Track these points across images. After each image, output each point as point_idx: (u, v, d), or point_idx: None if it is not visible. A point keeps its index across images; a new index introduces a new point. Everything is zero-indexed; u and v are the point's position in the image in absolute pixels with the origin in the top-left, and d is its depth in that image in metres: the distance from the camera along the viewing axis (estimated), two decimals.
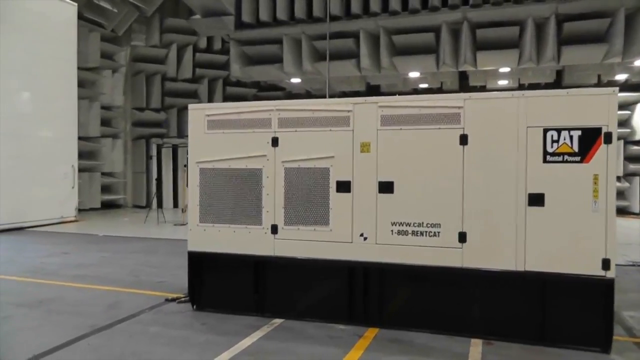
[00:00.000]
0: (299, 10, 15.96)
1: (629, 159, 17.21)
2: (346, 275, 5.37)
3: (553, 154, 4.78)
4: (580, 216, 4.71)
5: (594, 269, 4.69)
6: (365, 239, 5.27)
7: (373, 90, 19.11)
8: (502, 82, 16.61)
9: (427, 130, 5.09)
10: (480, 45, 14.09)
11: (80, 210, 15.86)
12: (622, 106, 17.35)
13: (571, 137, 4.75)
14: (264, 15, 16.52)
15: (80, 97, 16.11)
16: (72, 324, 5.50)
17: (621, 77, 15.96)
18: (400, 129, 5.16)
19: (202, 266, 5.95)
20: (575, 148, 4.73)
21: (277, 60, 16.77)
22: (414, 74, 16.06)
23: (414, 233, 5.13)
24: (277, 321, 5.53)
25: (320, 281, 5.51)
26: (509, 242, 4.87)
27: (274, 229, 5.58)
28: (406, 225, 5.15)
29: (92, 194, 17.14)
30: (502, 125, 4.90)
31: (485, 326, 5.00)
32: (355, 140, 5.29)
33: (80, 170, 16.35)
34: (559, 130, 4.76)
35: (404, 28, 14.83)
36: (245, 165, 5.67)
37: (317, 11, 15.82)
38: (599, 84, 17.04)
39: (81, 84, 16.85)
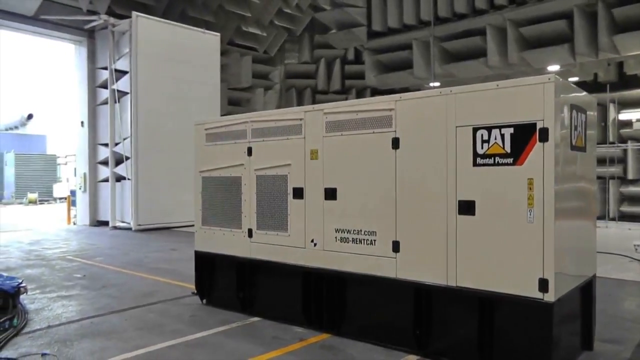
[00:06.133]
0: (425, 13, 15.72)
1: None
2: (301, 280, 5.46)
3: (483, 156, 4.25)
4: (513, 228, 4.10)
5: (530, 290, 4.03)
6: (315, 244, 5.31)
7: None
8: None
9: (363, 135, 4.94)
10: (621, 27, 12.14)
11: None
12: None
13: (502, 136, 4.17)
14: (392, 22, 16.68)
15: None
16: (102, 305, 6.63)
17: None
18: (341, 134, 5.09)
19: (207, 265, 6.57)
20: (507, 148, 4.14)
21: (410, 65, 16.73)
22: (552, 68, 14.45)
23: (353, 240, 5.01)
24: (253, 320, 5.86)
25: (286, 284, 5.68)
26: (439, 255, 4.46)
27: (250, 233, 5.93)
28: (347, 233, 5.05)
29: None
30: (432, 127, 4.52)
31: (422, 343, 4.64)
32: (306, 147, 5.37)
33: None
34: (489, 129, 4.22)
35: (533, 18, 13.61)
36: (230, 174, 6.15)
37: (443, 11, 15.41)
38: None
39: (237, 102, 19.08)
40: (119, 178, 15.36)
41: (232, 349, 4.98)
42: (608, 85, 15.63)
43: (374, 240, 4.87)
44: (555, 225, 3.94)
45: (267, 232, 5.76)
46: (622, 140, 16.30)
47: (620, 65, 15.30)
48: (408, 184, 4.66)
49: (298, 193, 5.44)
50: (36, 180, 32.29)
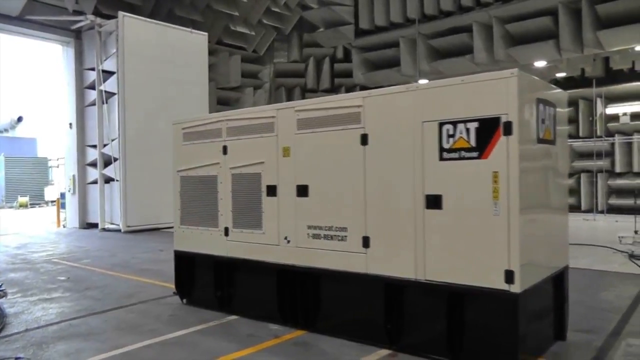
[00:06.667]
0: (412, 10, 15.75)
1: None
2: (275, 277, 5.48)
3: (449, 150, 4.28)
4: (480, 220, 4.12)
5: (497, 282, 4.06)
6: (288, 242, 5.33)
7: None
8: None
9: (333, 132, 4.95)
10: (604, 24, 12.18)
11: None
12: None
13: (467, 131, 4.19)
14: (379, 20, 16.69)
15: None
16: (83, 307, 6.62)
17: None
18: (312, 131, 5.11)
19: (187, 264, 6.57)
20: (473, 142, 4.16)
21: (397, 63, 16.76)
22: (539, 63, 14.49)
23: (325, 237, 5.03)
24: (230, 318, 5.88)
25: (262, 282, 5.69)
26: (408, 249, 4.48)
27: (226, 232, 5.95)
28: (319, 229, 5.07)
29: None
30: (399, 122, 4.54)
31: (394, 337, 4.66)
32: (279, 145, 5.39)
33: None
34: (454, 124, 4.25)
35: (518, 15, 13.65)
36: (207, 173, 6.16)
37: (429, 9, 15.45)
38: None
39: (226, 102, 19.06)
40: (108, 180, 15.34)
41: (207, 347, 4.99)
42: (594, 80, 15.70)
43: (345, 236, 4.89)
44: (521, 217, 3.97)
45: (243, 230, 5.77)
46: (610, 134, 16.39)
47: (607, 60, 15.39)
48: (377, 179, 4.69)
49: (271, 191, 5.46)
50: (27, 183, 32.18)
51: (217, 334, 5.37)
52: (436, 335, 4.42)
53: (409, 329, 4.61)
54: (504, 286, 4.01)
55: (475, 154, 4.14)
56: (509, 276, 3.99)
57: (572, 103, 16.94)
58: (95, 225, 15.69)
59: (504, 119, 4.00)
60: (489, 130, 4.08)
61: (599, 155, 16.12)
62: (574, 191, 16.93)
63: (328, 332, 5.12)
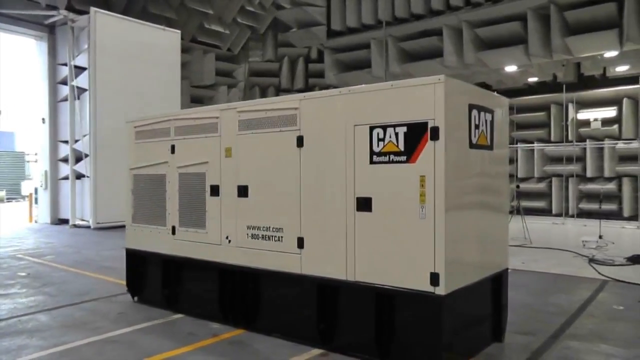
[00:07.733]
0: (383, 13, 15.82)
1: None
2: (217, 277, 5.52)
3: (379, 154, 4.34)
4: (407, 224, 4.19)
5: (423, 284, 4.13)
6: (229, 241, 5.37)
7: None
8: (622, 68, 14.15)
9: (271, 133, 5.01)
10: (573, 30, 12.34)
11: None
12: None
13: (397, 135, 4.26)
14: (351, 22, 16.75)
15: None
16: (35, 303, 6.62)
17: None
18: (252, 132, 5.16)
19: (138, 262, 6.58)
20: (401, 147, 4.23)
21: (368, 65, 16.81)
22: (509, 68, 14.62)
23: (263, 237, 5.08)
24: (175, 317, 5.90)
25: (205, 281, 5.73)
26: (340, 250, 4.55)
27: (173, 230, 5.97)
28: (258, 229, 5.13)
29: None
30: (332, 125, 4.60)
31: (327, 337, 4.72)
32: (222, 145, 5.43)
33: None
34: (384, 128, 4.31)
35: (488, 19, 13.76)
36: (156, 171, 6.18)
37: (400, 12, 15.54)
38: None
39: (199, 100, 19.01)
40: (79, 176, 15.26)
41: (145, 345, 5.02)
42: (564, 86, 15.90)
43: (281, 237, 4.95)
44: (449, 220, 4.04)
45: (188, 229, 5.81)
46: (581, 139, 16.59)
47: (578, 66, 15.59)
48: (311, 181, 4.75)
49: (214, 190, 5.50)
50: (3, 177, 31.86)
51: (158, 333, 5.40)
52: (367, 335, 4.48)
53: (341, 330, 4.68)
54: (430, 288, 4.08)
55: (403, 158, 4.21)
56: (434, 278, 4.06)
57: (544, 108, 17.13)
58: (66, 221, 15.60)
59: (431, 124, 4.07)
60: (416, 135, 4.14)
61: (570, 159, 16.33)
62: (545, 195, 17.12)
63: (266, 332, 5.17)
